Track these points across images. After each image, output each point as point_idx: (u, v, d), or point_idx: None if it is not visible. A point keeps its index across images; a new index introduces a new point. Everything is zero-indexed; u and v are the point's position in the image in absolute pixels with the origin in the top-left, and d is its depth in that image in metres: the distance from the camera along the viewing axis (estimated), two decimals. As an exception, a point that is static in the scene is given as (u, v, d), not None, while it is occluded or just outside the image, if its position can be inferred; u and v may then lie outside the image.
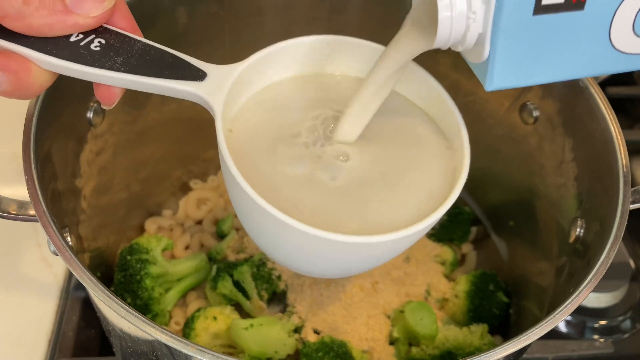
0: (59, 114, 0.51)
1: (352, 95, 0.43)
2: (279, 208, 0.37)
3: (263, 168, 0.41)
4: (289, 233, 0.38)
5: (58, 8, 0.37)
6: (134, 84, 0.40)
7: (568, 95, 0.56)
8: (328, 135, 0.44)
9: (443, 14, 0.35)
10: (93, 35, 0.39)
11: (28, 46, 0.38)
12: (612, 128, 0.51)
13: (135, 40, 0.41)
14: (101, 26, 0.40)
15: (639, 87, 0.89)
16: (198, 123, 0.69)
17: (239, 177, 0.38)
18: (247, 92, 0.45)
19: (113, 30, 0.40)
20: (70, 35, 0.39)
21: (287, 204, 0.39)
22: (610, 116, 0.52)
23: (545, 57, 0.37)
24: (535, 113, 0.59)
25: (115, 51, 0.40)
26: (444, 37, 0.36)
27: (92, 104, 0.54)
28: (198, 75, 0.41)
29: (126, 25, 0.41)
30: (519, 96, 0.60)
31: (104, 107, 0.42)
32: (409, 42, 0.40)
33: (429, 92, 0.46)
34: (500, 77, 0.37)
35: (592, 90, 0.53)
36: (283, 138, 0.43)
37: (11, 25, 0.37)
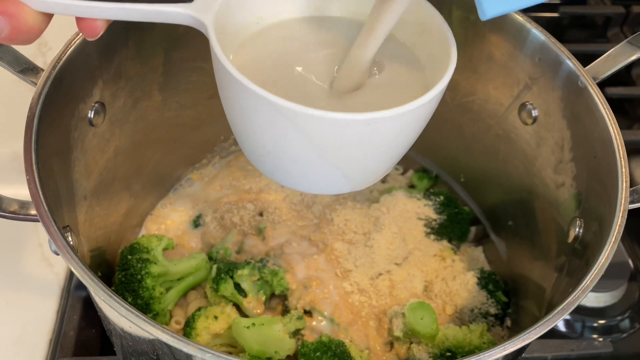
0: (60, 114, 0.51)
1: (355, 41, 0.45)
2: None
3: (262, 78, 0.43)
4: (287, 117, 0.39)
5: None
6: (125, 12, 0.41)
7: (567, 95, 0.56)
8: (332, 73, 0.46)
9: None
10: None
11: None
12: (610, 128, 0.51)
13: None
14: None
15: (638, 88, 0.90)
16: (198, 124, 0.69)
17: (246, 80, 0.39)
18: (240, 25, 0.46)
19: None
20: None
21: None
22: (609, 116, 0.52)
23: None
24: (534, 113, 0.59)
25: None
26: None
27: (93, 104, 0.55)
28: None
29: None
30: (518, 96, 0.60)
31: (89, 39, 0.43)
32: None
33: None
34: (490, 6, 0.37)
35: (591, 91, 0.53)
36: (285, 70, 0.45)
37: None
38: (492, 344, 0.58)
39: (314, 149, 0.41)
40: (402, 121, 0.41)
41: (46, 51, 0.79)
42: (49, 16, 0.41)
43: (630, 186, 0.49)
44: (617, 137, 0.51)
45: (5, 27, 0.38)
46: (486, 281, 0.63)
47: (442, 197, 0.70)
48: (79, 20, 0.42)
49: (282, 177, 0.47)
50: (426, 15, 0.46)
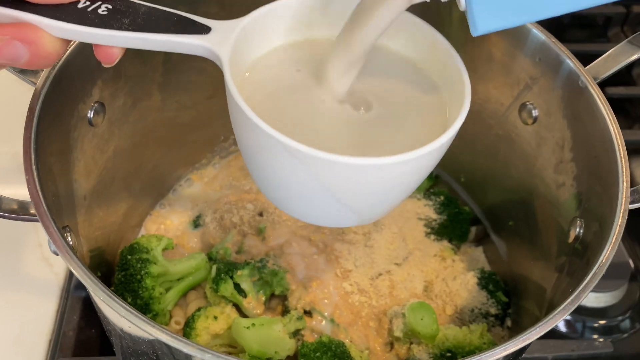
0: (60, 114, 0.51)
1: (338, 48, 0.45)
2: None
3: (275, 119, 0.43)
4: (301, 160, 0.39)
5: None
6: (142, 41, 0.42)
7: (567, 95, 0.56)
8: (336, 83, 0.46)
9: None
10: (99, 2, 0.42)
11: (42, 14, 0.40)
12: (611, 128, 0.51)
13: (139, 4, 0.43)
14: None
15: (638, 87, 0.90)
16: (198, 124, 0.69)
17: (257, 118, 0.39)
18: (254, 49, 0.47)
19: None
20: (78, 3, 0.41)
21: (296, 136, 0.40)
22: (610, 116, 0.52)
23: None
24: (535, 113, 0.59)
25: (122, 14, 0.42)
26: None
27: (92, 104, 0.55)
28: (203, 30, 0.43)
29: None
30: (518, 96, 0.60)
31: (105, 66, 0.44)
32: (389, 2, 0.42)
33: (424, 39, 0.47)
34: (482, 21, 0.38)
35: (592, 90, 0.53)
36: (293, 87, 0.46)
37: None
38: (493, 344, 0.58)
39: (324, 189, 0.41)
40: (414, 164, 0.41)
41: (46, 51, 0.79)
42: (67, 41, 0.42)
43: (631, 186, 0.49)
44: (618, 137, 0.51)
45: (25, 53, 0.39)
46: (486, 281, 0.63)
47: (442, 197, 0.70)
48: (96, 47, 0.42)
49: (289, 208, 0.48)
50: (445, 56, 0.46)
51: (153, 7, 0.43)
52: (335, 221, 0.49)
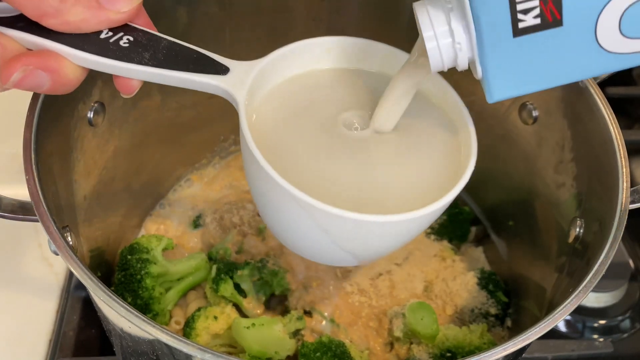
0: (60, 114, 0.51)
1: (381, 96, 0.46)
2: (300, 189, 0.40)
3: (286, 153, 0.44)
4: (311, 212, 0.40)
5: (92, 4, 0.40)
6: (161, 77, 0.42)
7: (568, 95, 0.56)
8: (350, 124, 0.46)
9: (429, 45, 0.38)
10: (121, 33, 0.42)
11: (64, 43, 0.40)
12: (611, 128, 0.51)
13: (161, 37, 0.43)
14: (127, 25, 0.42)
15: (638, 87, 0.90)
16: (198, 124, 0.69)
17: (268, 166, 0.40)
18: (270, 83, 0.47)
19: (140, 29, 0.43)
20: (100, 33, 0.41)
21: (307, 185, 0.41)
22: (610, 116, 0.52)
23: (538, 68, 0.38)
24: (535, 113, 0.59)
25: (143, 47, 0.42)
26: (437, 64, 0.39)
27: (92, 104, 0.54)
28: (221, 70, 0.44)
29: (145, 24, 0.43)
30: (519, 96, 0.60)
31: (124, 96, 0.44)
32: (413, 70, 0.43)
33: (440, 90, 0.48)
34: (498, 91, 0.39)
35: (592, 91, 0.53)
36: (306, 127, 0.46)
37: (49, 23, 0.40)
38: (493, 344, 0.58)
39: (327, 237, 0.42)
40: (416, 222, 0.42)
41: (46, 51, 0.79)
42: (87, 69, 0.42)
43: (631, 186, 0.49)
44: (618, 137, 0.51)
45: (47, 81, 0.40)
46: (486, 281, 0.63)
47: (442, 197, 0.69)
48: (115, 77, 0.43)
49: (291, 245, 0.49)
50: (456, 111, 0.47)
51: (173, 42, 0.43)
52: (336, 262, 0.51)
